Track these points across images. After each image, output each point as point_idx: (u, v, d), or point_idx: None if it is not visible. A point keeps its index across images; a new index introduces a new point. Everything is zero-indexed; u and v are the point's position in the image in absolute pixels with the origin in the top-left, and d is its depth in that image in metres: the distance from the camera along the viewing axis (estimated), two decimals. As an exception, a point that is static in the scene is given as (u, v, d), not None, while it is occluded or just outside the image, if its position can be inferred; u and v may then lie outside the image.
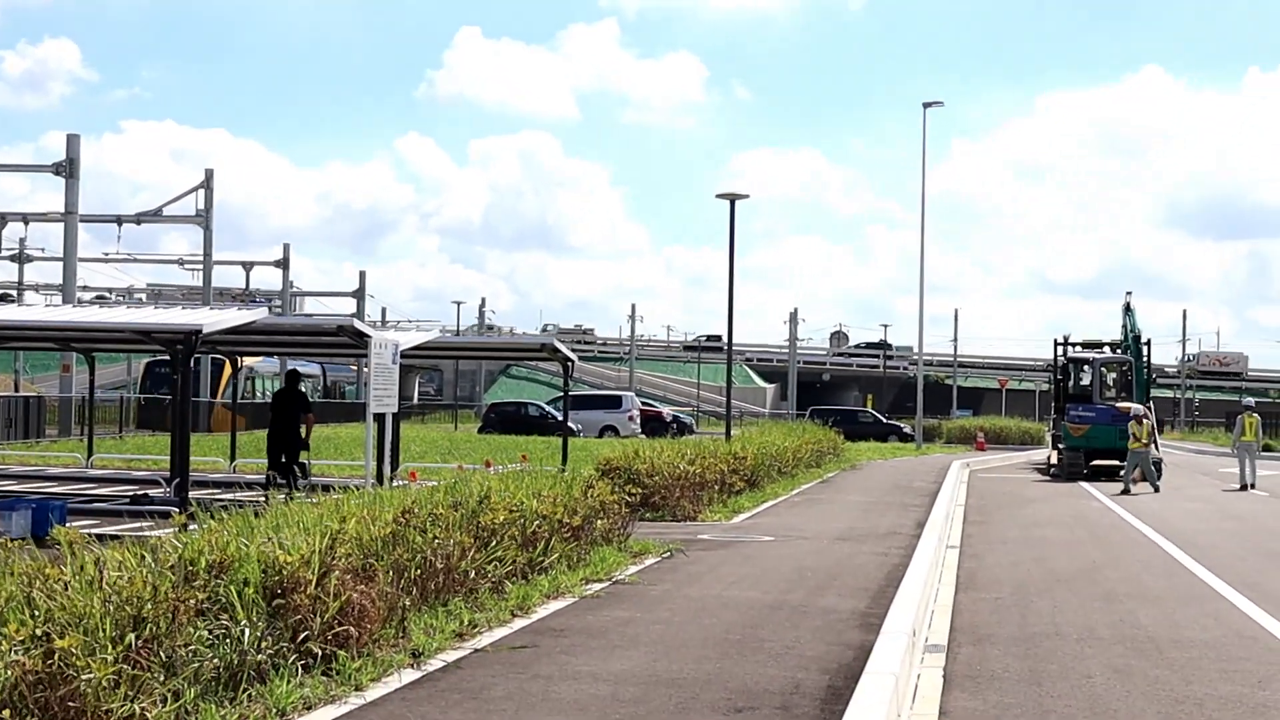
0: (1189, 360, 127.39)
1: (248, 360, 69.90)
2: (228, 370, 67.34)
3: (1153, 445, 44.17)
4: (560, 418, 51.96)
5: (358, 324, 25.34)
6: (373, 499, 13.59)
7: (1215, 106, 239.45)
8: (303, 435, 27.17)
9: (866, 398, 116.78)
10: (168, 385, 64.20)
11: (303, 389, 28.38)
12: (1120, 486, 36.22)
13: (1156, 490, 35.85)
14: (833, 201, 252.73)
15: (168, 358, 62.70)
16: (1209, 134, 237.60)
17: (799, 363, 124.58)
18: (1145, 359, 48.50)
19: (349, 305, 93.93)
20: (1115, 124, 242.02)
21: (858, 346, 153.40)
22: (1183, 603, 15.99)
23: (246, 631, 9.44)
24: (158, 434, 53.02)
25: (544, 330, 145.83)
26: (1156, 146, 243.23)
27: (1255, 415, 39.31)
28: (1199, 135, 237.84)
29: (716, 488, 26.93)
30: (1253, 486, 37.94)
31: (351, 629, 10.45)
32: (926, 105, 64.09)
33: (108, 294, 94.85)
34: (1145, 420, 37.67)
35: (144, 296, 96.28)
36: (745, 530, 22.58)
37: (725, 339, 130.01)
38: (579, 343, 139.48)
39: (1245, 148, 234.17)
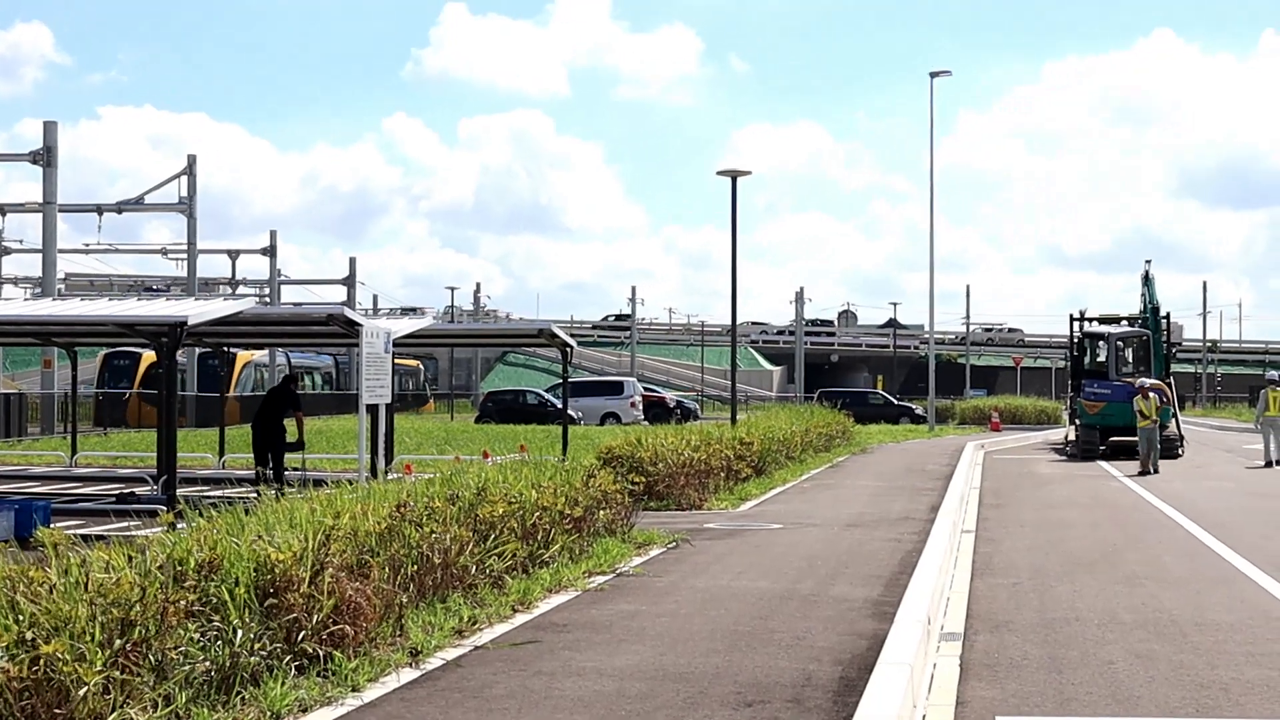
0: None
1: (255, 355, 70.16)
2: (240, 362, 67.41)
3: (1174, 421, 44.22)
4: (560, 405, 52.03)
5: (348, 312, 25.39)
6: (366, 493, 13.60)
7: (1229, 71, 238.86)
8: (290, 436, 27.24)
9: (876, 379, 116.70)
10: (127, 379, 64.24)
11: (294, 389, 28.59)
12: (1138, 466, 36.18)
13: (1156, 470, 35.68)
14: (836, 176, 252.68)
15: (127, 350, 62.85)
16: (1223, 100, 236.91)
17: (806, 343, 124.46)
18: (1165, 332, 48.38)
19: (339, 293, 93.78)
20: (1126, 91, 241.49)
21: (822, 318, 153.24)
22: (1207, 585, 16.00)
23: (239, 632, 9.46)
24: (143, 430, 52.92)
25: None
26: (1169, 113, 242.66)
27: (1280, 389, 39.23)
28: (1213, 101, 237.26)
29: (722, 475, 26.94)
30: (1278, 463, 37.89)
31: (347, 628, 10.47)
32: (934, 74, 64.01)
33: (90, 285, 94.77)
34: (1152, 395, 37.51)
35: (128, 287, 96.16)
36: (753, 518, 22.60)
37: (632, 319, 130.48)
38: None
39: (1260, 113, 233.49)
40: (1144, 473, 35.27)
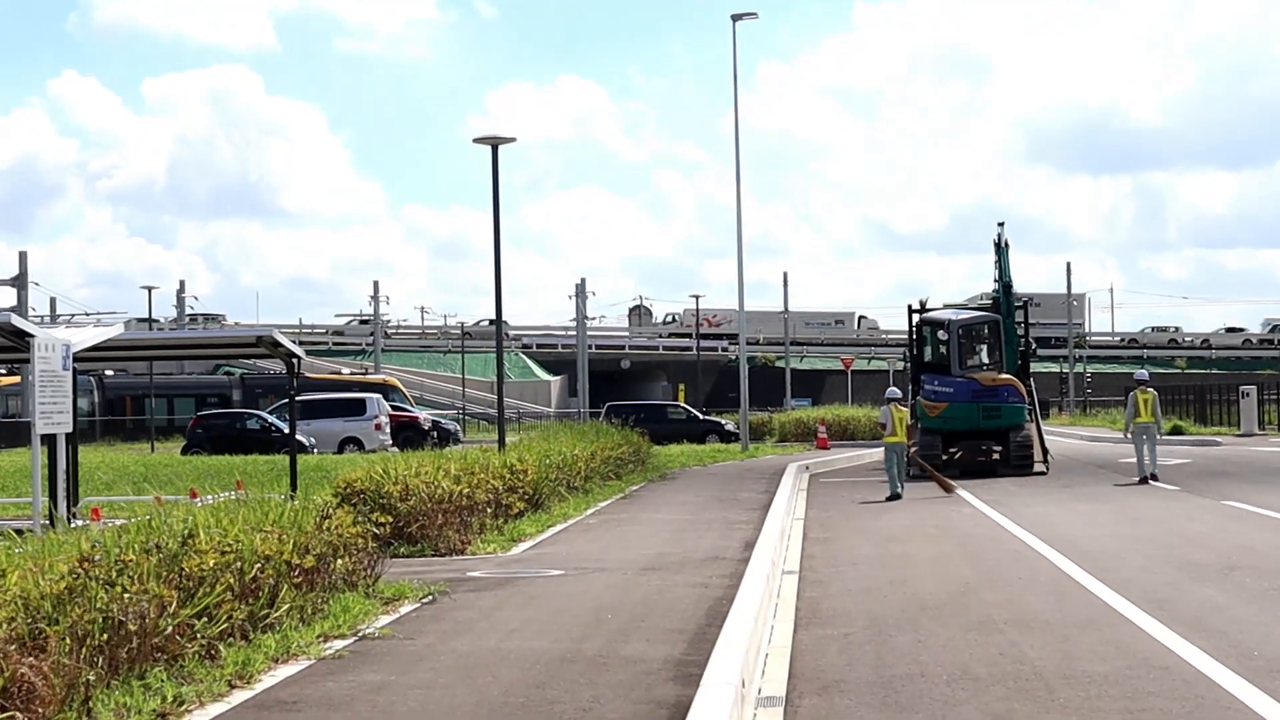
0: (670, 321, 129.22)
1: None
2: None
3: (1034, 427, 44.97)
4: (287, 430, 51.62)
5: (16, 321, 24.89)
6: (42, 545, 13.37)
7: (1076, 11, 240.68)
8: None
9: (678, 388, 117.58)
10: None
11: None
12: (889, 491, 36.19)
13: (897, 497, 35.57)
14: (614, 144, 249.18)
15: None
16: (1071, 45, 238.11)
17: (591, 347, 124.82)
18: (1023, 316, 48.57)
19: (8, 296, 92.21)
20: (957, 37, 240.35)
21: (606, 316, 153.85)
22: (1076, 629, 16.27)
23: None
24: None
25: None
26: (1010, 63, 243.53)
27: (1151, 390, 39.71)
28: (1059, 48, 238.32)
29: (490, 511, 26.89)
30: (1154, 478, 38.58)
31: (18, 714, 10.28)
32: (736, 18, 64.22)
33: None
34: (903, 405, 37.61)
35: None
36: (528, 563, 22.61)
37: (375, 322, 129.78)
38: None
39: (1114, 60, 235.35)
40: (893, 497, 35.33)
